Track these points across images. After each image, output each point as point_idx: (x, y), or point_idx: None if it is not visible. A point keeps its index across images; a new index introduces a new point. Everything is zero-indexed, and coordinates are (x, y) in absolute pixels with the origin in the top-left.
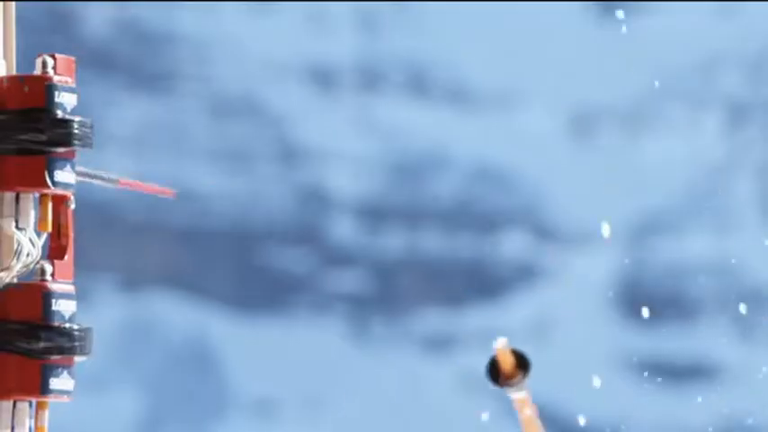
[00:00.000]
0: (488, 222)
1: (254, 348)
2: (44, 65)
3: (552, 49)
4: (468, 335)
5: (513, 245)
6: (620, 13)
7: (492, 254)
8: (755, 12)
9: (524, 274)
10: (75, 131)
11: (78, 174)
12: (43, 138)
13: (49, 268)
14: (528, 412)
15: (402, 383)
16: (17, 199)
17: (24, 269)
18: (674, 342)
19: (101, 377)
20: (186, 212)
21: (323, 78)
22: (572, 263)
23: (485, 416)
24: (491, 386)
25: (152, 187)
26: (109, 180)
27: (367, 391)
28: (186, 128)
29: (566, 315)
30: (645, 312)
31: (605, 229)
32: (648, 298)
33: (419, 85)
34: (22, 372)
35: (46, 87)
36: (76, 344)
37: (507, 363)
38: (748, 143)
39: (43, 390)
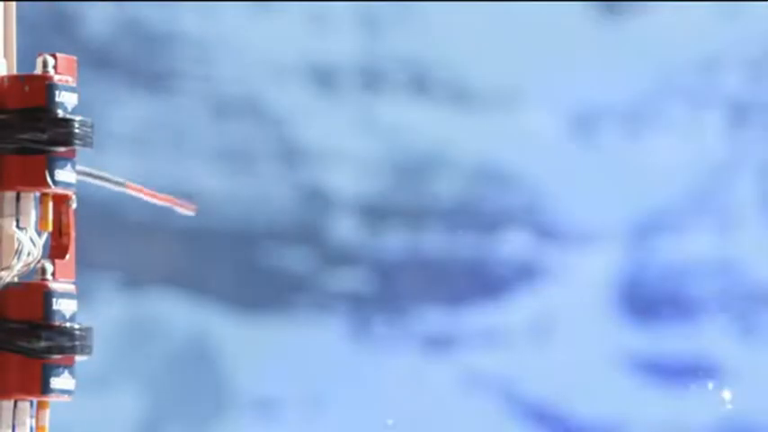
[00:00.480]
0: (490, 222)
1: (255, 348)
2: (44, 64)
3: (553, 48)
4: (469, 334)
5: (514, 244)
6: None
7: (493, 253)
8: (756, 11)
9: (525, 274)
10: (76, 131)
11: (82, 173)
12: (44, 137)
13: (49, 267)
14: None
15: (403, 383)
16: (18, 198)
17: (25, 268)
18: (674, 342)
19: (101, 376)
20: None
21: (324, 78)
22: (573, 262)
23: None
24: None
25: (168, 198)
26: (115, 183)
27: (368, 390)
28: (187, 127)
29: (567, 314)
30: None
31: None
32: (649, 297)
33: (421, 84)
34: (23, 371)
35: (46, 87)
36: (77, 343)
37: None
38: (750, 142)
39: (44, 389)
